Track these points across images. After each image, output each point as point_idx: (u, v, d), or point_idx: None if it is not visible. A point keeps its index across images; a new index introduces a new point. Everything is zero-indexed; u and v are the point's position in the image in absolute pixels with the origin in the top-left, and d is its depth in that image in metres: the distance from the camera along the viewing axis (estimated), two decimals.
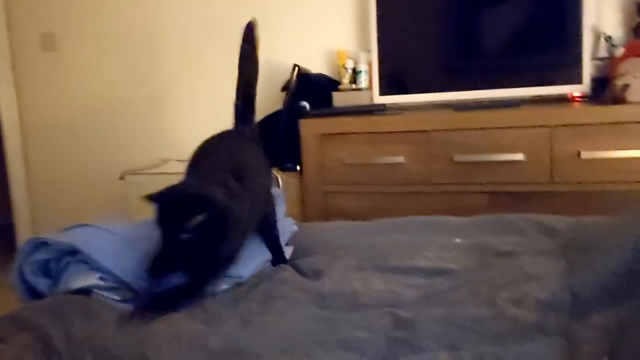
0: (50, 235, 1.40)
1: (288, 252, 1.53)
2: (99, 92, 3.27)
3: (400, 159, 2.31)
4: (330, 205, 2.41)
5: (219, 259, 1.21)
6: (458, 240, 1.50)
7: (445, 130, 2.28)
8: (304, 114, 2.59)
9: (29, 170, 3.49)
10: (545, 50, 2.41)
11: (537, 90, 2.39)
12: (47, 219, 3.43)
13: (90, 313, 1.18)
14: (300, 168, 2.51)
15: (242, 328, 1.10)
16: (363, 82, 2.66)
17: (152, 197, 1.15)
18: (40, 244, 1.39)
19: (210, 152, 1.41)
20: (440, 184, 2.28)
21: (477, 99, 2.43)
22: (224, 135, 1.54)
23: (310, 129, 2.46)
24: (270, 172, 1.52)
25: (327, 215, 2.38)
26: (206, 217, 1.11)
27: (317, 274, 1.35)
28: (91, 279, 1.30)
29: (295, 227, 1.72)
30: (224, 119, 3.07)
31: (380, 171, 2.35)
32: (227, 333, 1.07)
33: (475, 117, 2.27)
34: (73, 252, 1.37)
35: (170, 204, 1.14)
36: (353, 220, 1.90)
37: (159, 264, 1.17)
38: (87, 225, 1.49)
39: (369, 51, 2.59)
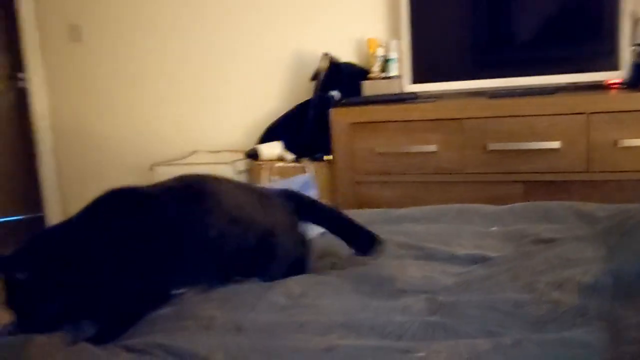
0: None
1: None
2: (127, 84, 3.31)
3: (433, 148, 2.29)
4: (361, 195, 2.40)
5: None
6: (494, 228, 1.48)
7: (479, 118, 2.24)
8: (333, 103, 2.58)
9: (59, 163, 3.54)
10: (580, 37, 2.36)
11: (572, 77, 2.34)
12: (78, 210, 3.47)
13: None
14: (331, 157, 2.50)
15: (278, 313, 1.09)
16: (393, 70, 2.63)
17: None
18: None
19: None
20: (473, 173, 2.25)
21: (510, 86, 2.39)
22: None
23: (340, 118, 2.45)
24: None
25: (358, 205, 2.37)
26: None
27: (351, 260, 1.34)
28: None
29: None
30: (251, 111, 3.09)
31: (412, 160, 2.33)
32: (262, 318, 1.07)
33: (510, 105, 2.23)
34: None
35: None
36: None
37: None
38: None
39: (399, 39, 2.56)
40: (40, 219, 3.64)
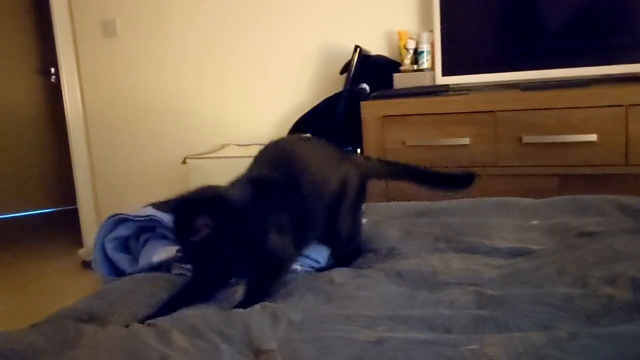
0: (131, 212, 1.44)
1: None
2: (160, 78, 3.33)
3: (465, 141, 2.27)
4: (392, 189, 2.38)
5: (269, 257, 1.17)
6: (535, 221, 1.46)
7: (513, 110, 2.22)
8: (364, 96, 2.57)
9: (92, 155, 3.58)
10: (616, 27, 2.31)
11: (608, 69, 2.30)
12: (110, 203, 3.52)
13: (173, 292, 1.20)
14: (361, 151, 2.50)
15: (322, 304, 1.10)
16: (425, 62, 2.61)
17: (160, 207, 1.19)
18: (120, 221, 1.43)
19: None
20: (507, 166, 2.22)
21: (544, 78, 2.35)
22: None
23: (371, 111, 2.44)
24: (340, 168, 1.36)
25: (388, 199, 2.36)
26: (216, 218, 1.09)
27: (391, 253, 1.34)
28: (172, 252, 1.33)
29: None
30: (281, 104, 3.10)
31: (444, 153, 2.31)
32: (307, 308, 1.08)
33: (544, 97, 2.20)
34: (151, 228, 1.41)
35: (179, 211, 1.14)
36: None
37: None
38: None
39: (431, 31, 2.54)
40: (74, 212, 3.70)
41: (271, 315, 1.05)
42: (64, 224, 4.10)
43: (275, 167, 1.27)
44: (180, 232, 1.12)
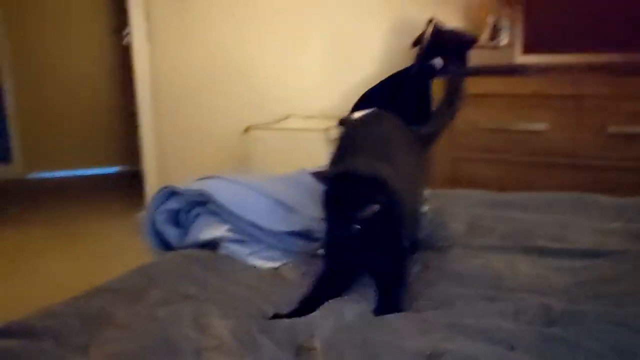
0: (182, 185, 1.39)
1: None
2: (228, 43, 3.28)
3: (543, 127, 2.10)
4: (459, 173, 2.26)
5: (403, 253, 1.08)
6: (617, 224, 1.31)
7: (599, 96, 2.02)
8: (436, 72, 2.42)
9: (157, 117, 3.60)
10: None
11: None
12: (173, 166, 3.55)
13: (220, 273, 1.15)
14: None
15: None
16: (504, 39, 2.43)
17: (322, 176, 1.05)
18: (171, 194, 1.39)
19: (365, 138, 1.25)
20: (588, 157, 2.04)
21: (635, 62, 2.13)
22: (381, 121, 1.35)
23: (442, 88, 2.29)
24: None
25: (454, 183, 2.23)
26: (382, 207, 0.98)
27: (452, 250, 1.23)
28: (220, 230, 1.29)
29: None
30: (347, 77, 2.98)
31: (518, 138, 2.15)
32: (361, 306, 1.00)
33: (635, 82, 1.99)
34: (203, 202, 1.36)
35: (343, 186, 0.99)
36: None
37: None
38: (217, 176, 1.47)
39: (512, 4, 2.35)
40: (139, 172, 3.75)
41: (321, 307, 0.98)
42: (130, 184, 4.18)
43: (378, 157, 1.13)
44: (335, 208, 1.00)
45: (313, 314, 0.94)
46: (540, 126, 2.10)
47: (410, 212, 1.12)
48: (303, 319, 0.92)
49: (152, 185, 3.65)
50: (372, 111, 1.36)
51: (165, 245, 1.39)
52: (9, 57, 4.70)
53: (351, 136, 1.29)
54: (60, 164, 4.81)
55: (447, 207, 1.51)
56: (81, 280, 2.64)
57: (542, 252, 1.18)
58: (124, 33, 4.26)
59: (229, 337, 0.87)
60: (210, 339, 0.86)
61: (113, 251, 2.95)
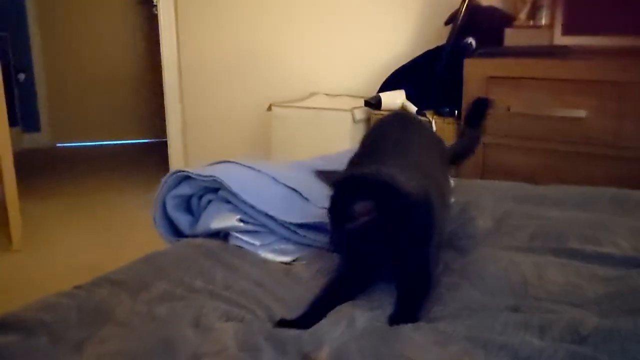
0: (194, 170, 1.33)
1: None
2: (252, 21, 3.20)
3: (582, 114, 1.97)
4: (489, 160, 2.15)
5: (427, 260, 1.01)
6: None
7: None
8: (469, 51, 2.31)
9: (182, 90, 3.56)
10: None
11: None
12: (197, 140, 3.53)
13: (228, 267, 1.09)
14: (459, 113, 2.26)
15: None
16: (543, 18, 2.29)
17: (326, 180, 1.00)
18: (183, 178, 1.34)
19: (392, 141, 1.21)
20: (631, 147, 1.91)
21: None
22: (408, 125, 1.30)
23: (475, 69, 2.17)
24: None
25: (483, 171, 2.13)
26: (386, 207, 0.92)
27: (476, 250, 1.15)
28: (232, 220, 1.23)
29: (451, 182, 1.51)
30: (376, 55, 2.88)
31: (555, 125, 2.03)
32: (375, 313, 0.94)
33: None
34: (215, 189, 1.31)
35: (344, 189, 0.97)
36: (514, 181, 1.66)
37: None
38: (232, 161, 1.41)
39: None
40: (164, 144, 3.74)
41: (331, 312, 0.92)
42: (157, 156, 4.17)
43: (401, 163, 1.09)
44: (336, 213, 0.97)
45: (322, 321, 0.88)
46: (579, 113, 1.97)
47: (439, 216, 1.05)
48: (310, 329, 0.86)
49: (176, 157, 3.65)
50: (403, 113, 1.33)
51: (177, 232, 1.34)
52: (37, 27, 4.70)
53: (376, 138, 1.24)
54: (87, 135, 4.84)
55: (475, 200, 1.42)
56: (100, 254, 2.65)
57: (575, 255, 1.09)
58: (153, 2, 4.21)
59: (231, 342, 0.82)
60: (211, 344, 0.81)
61: (134, 225, 2.94)
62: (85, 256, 2.63)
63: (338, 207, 0.97)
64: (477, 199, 1.43)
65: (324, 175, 1.03)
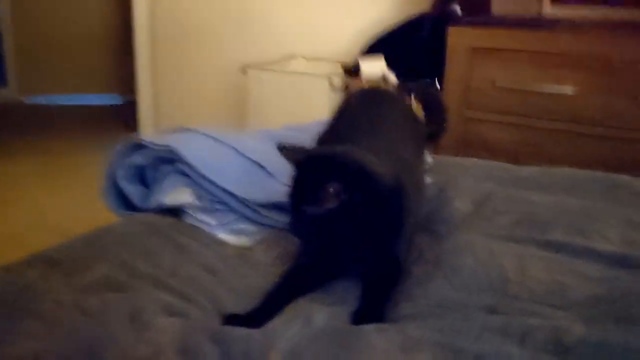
0: (149, 138, 1.21)
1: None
2: None
3: (569, 90, 1.87)
4: (471, 135, 2.05)
5: (393, 257, 0.92)
6: None
7: (637, 59, 1.79)
8: (454, 19, 2.18)
9: (155, 52, 3.39)
10: None
11: None
12: (169, 102, 3.38)
13: (178, 248, 0.98)
14: (441, 86, 2.15)
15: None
16: None
17: (289, 158, 0.91)
18: (137, 147, 1.21)
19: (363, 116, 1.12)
20: (619, 127, 1.82)
21: None
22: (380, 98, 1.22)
23: (459, 39, 2.05)
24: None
25: (465, 146, 2.03)
26: (354, 192, 0.83)
27: (451, 235, 1.05)
28: (186, 196, 1.11)
29: (429, 159, 1.41)
30: (356, 18, 2.73)
31: (540, 101, 1.93)
32: (336, 310, 0.84)
33: None
34: (172, 160, 1.18)
35: (309, 169, 0.87)
36: (496, 158, 1.57)
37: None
38: (193, 130, 1.29)
39: None
40: (133, 103, 3.58)
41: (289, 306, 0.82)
42: (128, 115, 4.00)
43: (374, 136, 1.02)
44: (298, 196, 0.87)
45: (275, 319, 0.78)
46: (566, 89, 1.87)
47: (413, 201, 0.95)
48: (260, 329, 0.75)
49: (147, 118, 3.49)
50: (377, 89, 1.25)
51: (130, 205, 1.22)
52: None
53: (346, 115, 1.16)
54: (56, 89, 4.63)
55: (453, 180, 1.32)
56: (66, 216, 2.51)
57: (560, 249, 1.00)
58: None
59: (168, 344, 0.71)
60: (144, 347, 0.70)
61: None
62: (52, 217, 2.49)
63: (301, 188, 0.86)
64: (455, 179, 1.33)
65: (288, 151, 0.92)
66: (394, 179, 0.86)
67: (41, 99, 4.58)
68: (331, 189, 0.83)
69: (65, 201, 2.74)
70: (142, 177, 1.24)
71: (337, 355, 0.71)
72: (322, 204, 0.83)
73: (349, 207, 0.83)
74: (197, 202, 1.10)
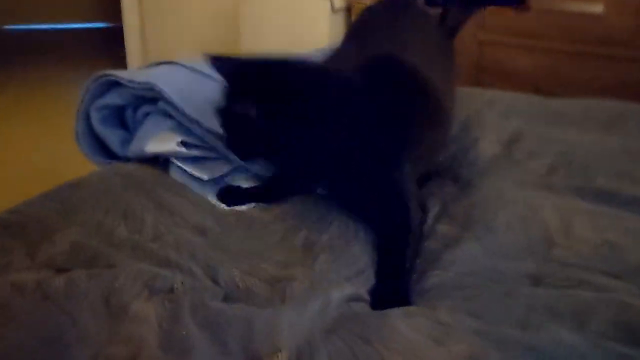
0: (126, 74, 1.04)
1: None
2: None
3: (598, 9, 1.68)
4: (486, 59, 1.87)
5: (392, 193, 0.78)
6: None
7: None
8: None
9: None
10: None
11: None
12: (157, 29, 3.14)
13: (163, 207, 0.84)
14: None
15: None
16: None
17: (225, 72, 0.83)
18: (113, 84, 1.04)
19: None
20: None
21: None
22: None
23: None
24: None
25: (479, 71, 1.86)
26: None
27: (479, 182, 0.91)
28: (171, 143, 0.96)
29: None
30: None
31: (566, 22, 1.74)
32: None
33: None
34: (154, 99, 1.02)
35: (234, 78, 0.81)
36: (515, 86, 1.41)
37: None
38: (176, 62, 1.12)
39: None
40: (119, 29, 3.34)
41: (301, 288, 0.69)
42: (116, 42, 3.77)
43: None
44: (226, 110, 0.81)
45: (281, 307, 0.64)
46: (595, 8, 1.68)
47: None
48: (265, 313, 0.62)
49: (134, 44, 3.27)
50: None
51: (108, 152, 1.07)
52: None
53: (361, 31, 1.03)
54: (37, 16, 4.35)
55: (475, 115, 1.16)
56: (49, 155, 2.35)
57: (607, 199, 0.86)
58: None
59: (151, 335, 0.58)
60: (120, 343, 0.57)
61: None
62: (36, 157, 2.34)
63: (228, 97, 0.80)
64: (477, 115, 1.17)
65: (218, 61, 0.84)
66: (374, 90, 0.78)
67: (22, 27, 4.32)
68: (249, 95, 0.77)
69: (45, 137, 2.58)
70: (123, 119, 1.08)
71: (356, 353, 0.58)
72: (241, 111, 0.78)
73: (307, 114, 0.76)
74: (184, 150, 0.95)
